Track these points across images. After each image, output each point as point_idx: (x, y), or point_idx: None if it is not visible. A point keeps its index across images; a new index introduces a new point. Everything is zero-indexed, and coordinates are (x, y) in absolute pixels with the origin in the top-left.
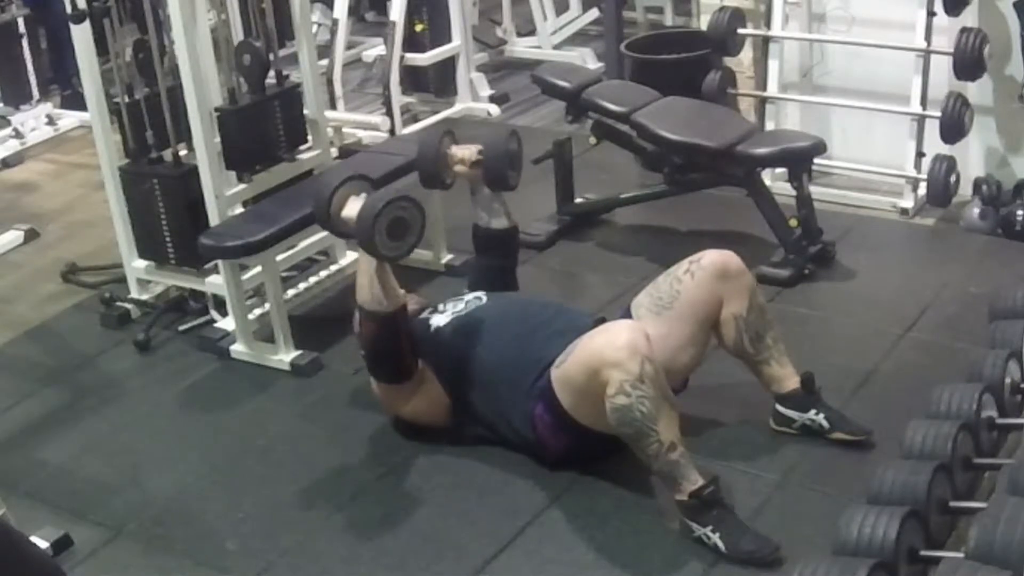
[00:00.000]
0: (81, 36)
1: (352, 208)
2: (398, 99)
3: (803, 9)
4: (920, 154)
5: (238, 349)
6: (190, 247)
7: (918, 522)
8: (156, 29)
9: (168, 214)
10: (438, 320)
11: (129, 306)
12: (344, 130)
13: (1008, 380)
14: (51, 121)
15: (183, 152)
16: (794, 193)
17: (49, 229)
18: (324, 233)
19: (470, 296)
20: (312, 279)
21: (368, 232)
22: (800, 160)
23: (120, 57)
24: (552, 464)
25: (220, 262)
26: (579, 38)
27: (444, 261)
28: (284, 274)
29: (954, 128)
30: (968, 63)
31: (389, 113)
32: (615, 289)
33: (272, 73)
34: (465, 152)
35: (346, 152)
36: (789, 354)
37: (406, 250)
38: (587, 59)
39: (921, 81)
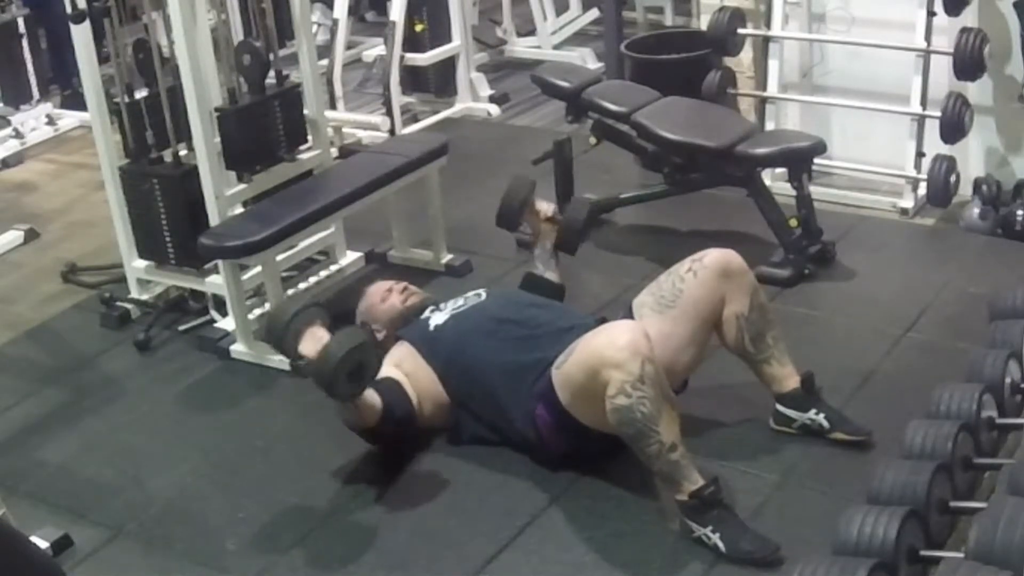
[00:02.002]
0: (81, 36)
1: (308, 346)
2: (398, 99)
3: (803, 9)
4: (920, 154)
5: (238, 349)
6: (190, 247)
7: (918, 522)
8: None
9: (168, 214)
10: (438, 318)
11: (129, 306)
12: (344, 130)
13: (1008, 380)
14: (51, 121)
15: (183, 152)
16: (794, 193)
17: (49, 229)
18: (324, 233)
19: (470, 293)
20: (312, 279)
21: (329, 380)
22: (800, 160)
23: (120, 57)
24: (552, 464)
25: (220, 262)
26: (579, 38)
27: (444, 261)
28: (284, 274)
29: (954, 128)
30: (968, 63)
31: (389, 113)
32: (615, 289)
33: (272, 73)
34: (545, 207)
35: (346, 152)
36: (789, 354)
37: (362, 388)
38: (587, 59)
39: (921, 81)
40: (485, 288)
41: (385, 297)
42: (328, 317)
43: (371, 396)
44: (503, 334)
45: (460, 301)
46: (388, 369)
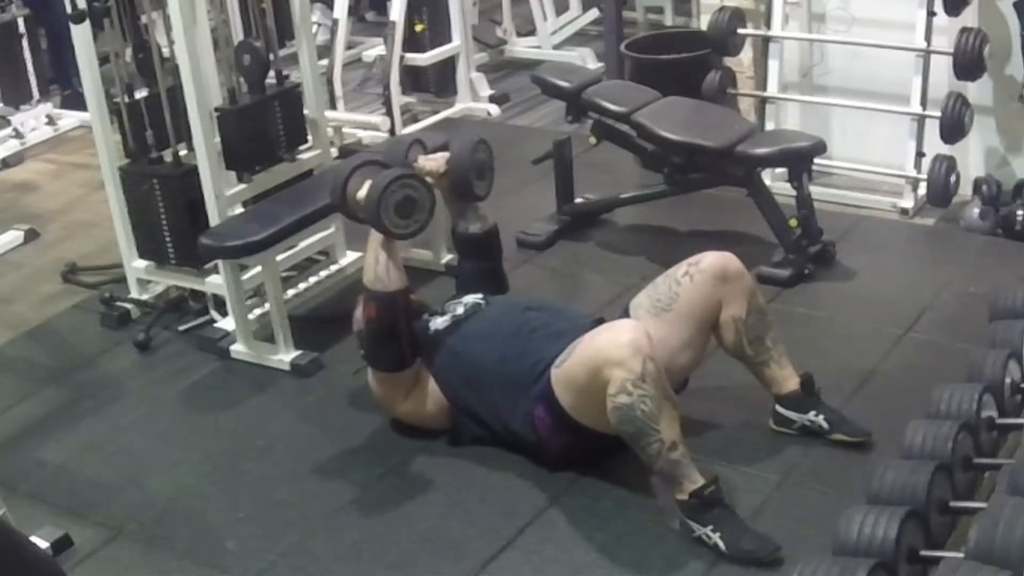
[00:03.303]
0: (81, 36)
1: (365, 189)
2: (398, 99)
3: (803, 9)
4: (920, 154)
5: (238, 349)
6: (190, 247)
7: (918, 522)
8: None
9: (168, 214)
10: (437, 323)
11: (129, 306)
12: (344, 130)
13: (1008, 380)
14: (51, 121)
15: (183, 152)
16: (794, 193)
17: (49, 229)
18: (324, 233)
19: (469, 299)
20: (312, 279)
21: (375, 208)
22: (800, 160)
23: (120, 57)
24: (552, 464)
25: (220, 262)
26: (579, 38)
27: (444, 261)
28: (284, 274)
29: (954, 128)
30: (968, 63)
31: (389, 113)
32: (615, 289)
33: (272, 73)
34: (432, 164)
35: (346, 152)
36: (789, 355)
37: (415, 228)
38: (587, 59)
39: (921, 81)
40: (483, 294)
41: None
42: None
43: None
44: (502, 336)
45: (460, 308)
46: None
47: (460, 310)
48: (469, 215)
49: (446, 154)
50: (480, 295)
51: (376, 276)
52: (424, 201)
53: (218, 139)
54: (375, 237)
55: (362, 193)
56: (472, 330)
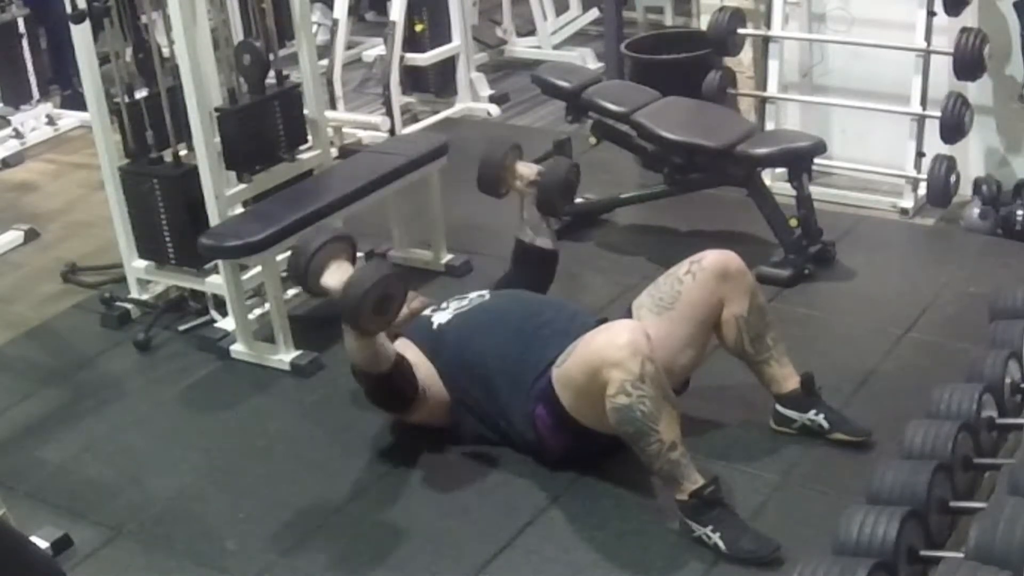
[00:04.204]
0: (81, 36)
1: (334, 277)
2: (398, 99)
3: (803, 9)
4: (920, 154)
5: (238, 349)
6: (190, 247)
7: (918, 522)
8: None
9: (168, 214)
10: (440, 317)
11: (129, 306)
12: (344, 130)
13: (1008, 380)
14: (51, 121)
15: (183, 152)
16: (794, 193)
17: (49, 229)
18: None
19: (473, 294)
20: None
21: (355, 307)
22: (800, 160)
23: (120, 57)
24: (552, 464)
25: (220, 262)
26: (579, 38)
27: (444, 261)
28: (284, 274)
29: (954, 128)
30: (968, 63)
31: (389, 113)
32: (615, 289)
33: (272, 73)
34: (526, 170)
35: (346, 152)
36: (789, 354)
37: (387, 323)
38: (587, 59)
39: (921, 81)
40: (488, 289)
41: None
42: (353, 249)
43: (388, 343)
44: (505, 334)
45: (464, 301)
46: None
47: (464, 303)
48: (542, 229)
49: (538, 167)
50: (485, 291)
51: (364, 361)
52: (398, 296)
53: (218, 139)
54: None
55: (330, 281)
56: (476, 325)
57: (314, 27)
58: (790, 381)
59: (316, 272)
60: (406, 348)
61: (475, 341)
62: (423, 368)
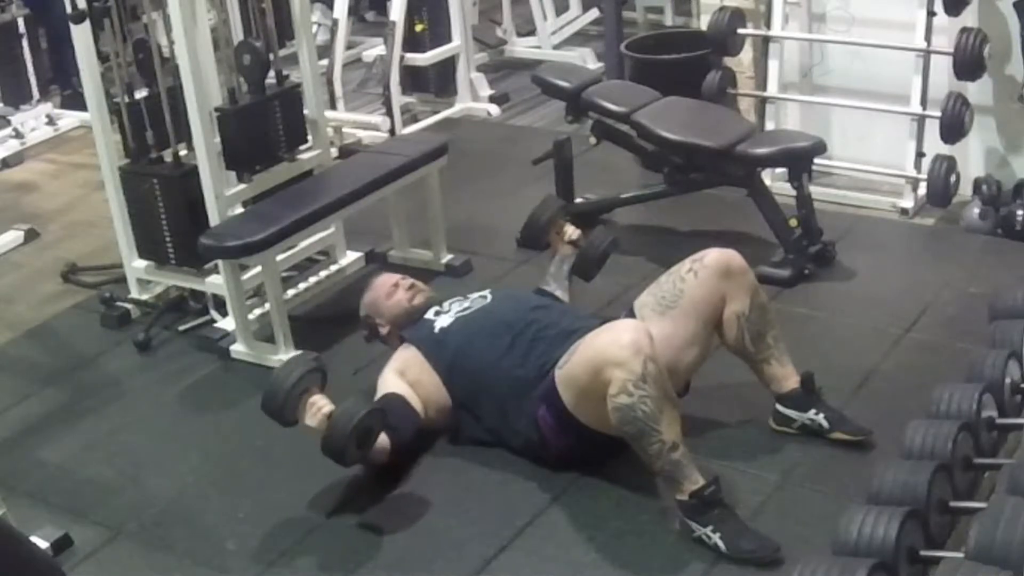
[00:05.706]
0: (81, 36)
1: (310, 419)
2: (398, 99)
3: (803, 9)
4: (920, 154)
5: (238, 349)
6: (190, 247)
7: (918, 522)
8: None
9: (168, 214)
10: (443, 321)
11: (129, 306)
12: (344, 130)
13: (1008, 380)
14: (51, 121)
15: (183, 152)
16: (794, 193)
17: (49, 229)
18: (324, 233)
19: (475, 295)
20: (312, 279)
21: (340, 445)
22: (800, 160)
23: (120, 57)
24: (552, 464)
25: (220, 262)
26: (579, 38)
27: (444, 261)
28: (284, 274)
29: (954, 128)
30: (968, 63)
31: (389, 113)
32: (615, 289)
33: (272, 73)
34: (574, 232)
35: (346, 152)
36: (789, 354)
37: (371, 447)
38: (587, 59)
39: (921, 81)
40: (490, 289)
41: (391, 293)
42: (322, 379)
43: (380, 442)
44: (507, 337)
45: (466, 303)
46: (393, 379)
47: (466, 305)
48: (563, 284)
49: (580, 232)
50: (487, 291)
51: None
52: (377, 429)
53: (218, 139)
54: None
55: (313, 422)
56: (478, 328)
57: (314, 27)
58: (790, 380)
59: (293, 411)
60: (407, 356)
61: (478, 345)
62: (424, 378)
